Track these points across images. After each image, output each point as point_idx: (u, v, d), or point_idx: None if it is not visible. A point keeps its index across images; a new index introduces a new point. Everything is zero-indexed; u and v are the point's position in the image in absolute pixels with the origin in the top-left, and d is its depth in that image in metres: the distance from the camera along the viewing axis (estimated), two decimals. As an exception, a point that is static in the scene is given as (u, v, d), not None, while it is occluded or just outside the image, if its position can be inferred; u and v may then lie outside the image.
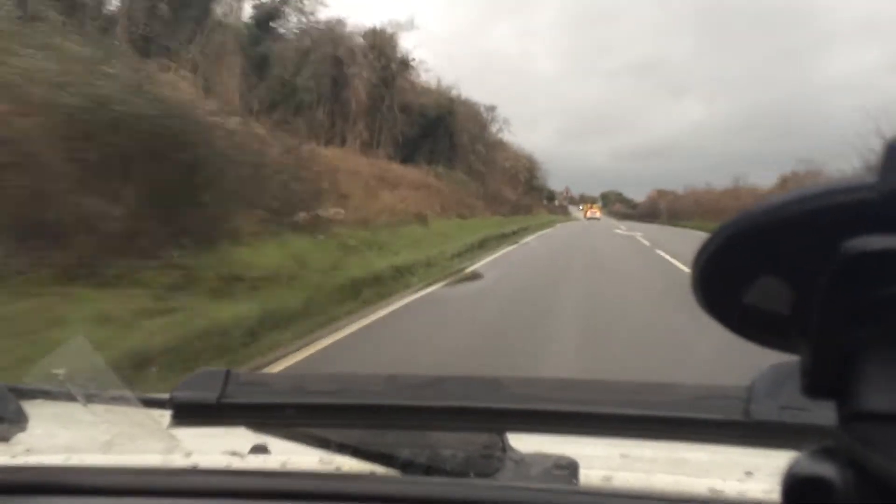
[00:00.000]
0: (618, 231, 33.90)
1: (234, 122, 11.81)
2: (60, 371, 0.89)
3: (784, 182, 37.56)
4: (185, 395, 0.82)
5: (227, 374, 0.82)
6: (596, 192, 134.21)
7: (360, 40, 27.45)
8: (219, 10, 20.52)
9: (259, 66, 22.04)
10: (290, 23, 24.77)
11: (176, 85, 12.66)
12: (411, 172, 26.21)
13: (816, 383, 0.40)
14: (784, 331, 0.41)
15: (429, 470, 0.79)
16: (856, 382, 0.37)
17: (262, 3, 23.78)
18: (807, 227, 0.37)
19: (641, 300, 9.33)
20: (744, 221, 0.39)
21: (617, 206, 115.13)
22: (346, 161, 20.27)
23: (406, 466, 0.80)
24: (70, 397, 0.89)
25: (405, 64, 29.67)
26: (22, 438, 0.91)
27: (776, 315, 0.40)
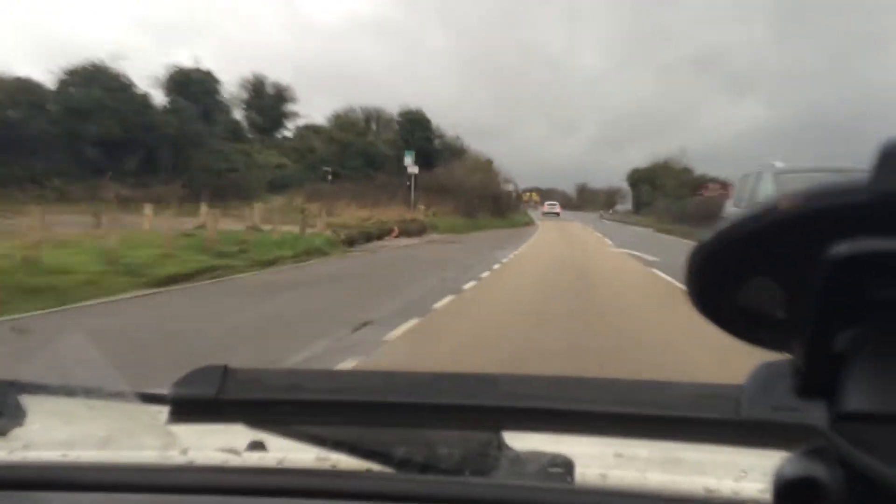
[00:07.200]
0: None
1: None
2: (59, 366, 0.89)
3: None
4: (183, 391, 0.83)
5: (226, 370, 0.83)
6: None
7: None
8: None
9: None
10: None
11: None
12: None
13: (808, 383, 0.40)
14: (777, 331, 0.41)
15: (424, 468, 0.79)
16: (846, 383, 0.38)
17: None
18: (799, 229, 0.37)
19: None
20: (737, 224, 0.39)
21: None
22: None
23: (402, 464, 0.80)
24: (68, 393, 0.89)
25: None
26: (20, 434, 0.91)
27: (769, 316, 0.41)
